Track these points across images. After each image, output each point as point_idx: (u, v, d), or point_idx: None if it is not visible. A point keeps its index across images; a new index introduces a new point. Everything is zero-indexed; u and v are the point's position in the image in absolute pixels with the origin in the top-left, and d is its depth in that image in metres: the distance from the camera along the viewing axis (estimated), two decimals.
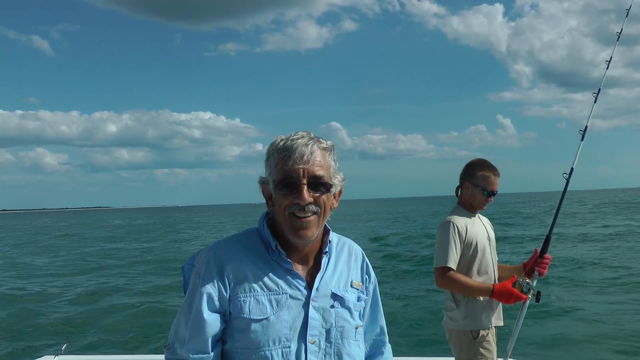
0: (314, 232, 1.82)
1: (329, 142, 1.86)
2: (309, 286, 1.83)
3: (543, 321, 9.80)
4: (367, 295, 2.02)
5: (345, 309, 1.88)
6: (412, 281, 15.16)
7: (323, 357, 1.80)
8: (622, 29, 4.75)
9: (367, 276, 2.03)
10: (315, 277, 1.86)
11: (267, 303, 1.76)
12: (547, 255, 3.82)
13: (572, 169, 4.09)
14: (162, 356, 1.84)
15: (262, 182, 1.89)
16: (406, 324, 10.29)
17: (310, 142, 1.80)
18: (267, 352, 1.73)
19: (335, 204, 1.91)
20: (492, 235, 4.02)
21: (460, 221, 3.80)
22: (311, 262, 1.89)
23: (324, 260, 1.90)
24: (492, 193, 3.85)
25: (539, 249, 3.84)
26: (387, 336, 2.11)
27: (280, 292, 1.79)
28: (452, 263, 3.71)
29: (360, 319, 1.95)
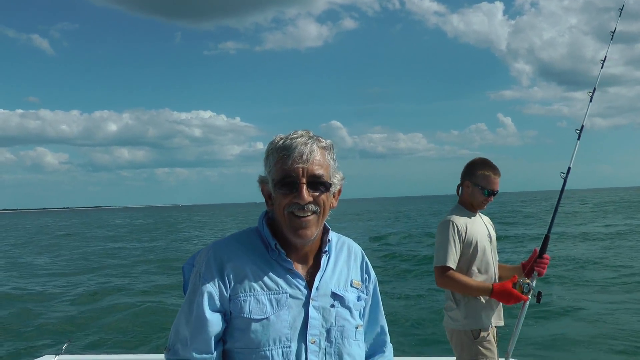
0: (314, 232, 1.81)
1: (328, 141, 1.86)
2: (309, 285, 1.83)
3: (544, 321, 9.79)
4: (367, 295, 2.01)
5: (346, 308, 1.88)
6: (413, 280, 15.17)
7: (323, 356, 1.80)
8: (615, 28, 4.75)
9: (367, 275, 2.03)
10: (315, 276, 1.85)
11: (267, 303, 1.76)
12: (546, 255, 3.81)
13: (569, 168, 4.09)
14: (163, 356, 1.83)
15: (262, 181, 1.89)
16: (407, 324, 10.28)
17: (309, 141, 1.79)
18: (267, 351, 1.73)
19: (335, 203, 1.91)
20: (493, 234, 4.01)
21: (460, 220, 3.80)
22: (311, 262, 1.89)
23: (324, 259, 1.90)
24: (492, 192, 3.84)
25: (538, 249, 3.84)
26: (388, 336, 2.10)
27: (280, 292, 1.78)
28: (452, 262, 3.71)
29: (360, 318, 1.95)
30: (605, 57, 4.62)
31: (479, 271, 3.79)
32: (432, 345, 8.83)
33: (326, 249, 1.91)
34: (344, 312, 1.87)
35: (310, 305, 1.80)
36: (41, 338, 10.46)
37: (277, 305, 1.77)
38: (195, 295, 1.77)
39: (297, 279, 1.82)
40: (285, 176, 1.77)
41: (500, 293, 3.62)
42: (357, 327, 1.90)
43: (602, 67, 4.55)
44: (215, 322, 1.75)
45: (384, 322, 2.09)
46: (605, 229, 28.91)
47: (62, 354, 4.72)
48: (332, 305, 1.85)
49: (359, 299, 1.95)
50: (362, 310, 1.98)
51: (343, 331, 1.85)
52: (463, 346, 3.75)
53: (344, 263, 1.97)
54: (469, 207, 3.91)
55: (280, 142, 1.81)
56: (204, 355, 1.74)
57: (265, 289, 1.78)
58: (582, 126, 4.24)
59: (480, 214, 4.01)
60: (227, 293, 1.77)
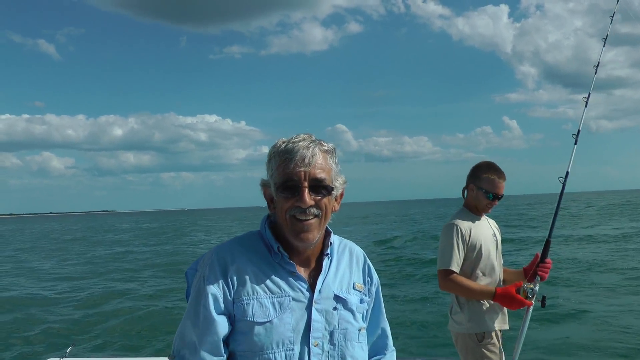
0: (315, 235, 1.81)
1: (330, 145, 1.86)
2: (312, 288, 1.83)
3: (550, 325, 9.75)
4: (369, 297, 2.01)
5: (348, 311, 1.87)
6: (419, 284, 15.14)
7: (326, 359, 1.80)
8: (607, 35, 4.77)
9: (369, 278, 2.03)
10: (318, 279, 1.85)
11: (270, 306, 1.76)
12: (548, 259, 3.80)
13: (567, 172, 4.09)
14: (167, 358, 1.83)
15: (264, 185, 1.89)
16: (414, 327, 10.27)
17: (311, 144, 1.80)
18: (270, 355, 1.73)
19: (337, 207, 1.91)
20: (499, 237, 4.00)
21: (464, 224, 3.80)
22: (313, 265, 1.89)
23: (326, 262, 1.90)
24: (496, 196, 3.83)
25: (539, 254, 3.83)
26: (390, 339, 2.10)
27: (283, 295, 1.78)
28: (455, 266, 3.70)
29: (363, 321, 1.95)
30: (599, 62, 4.64)
31: (483, 274, 3.78)
32: (438, 348, 8.81)
33: (328, 251, 1.91)
34: (347, 315, 1.86)
35: (313, 308, 1.80)
36: (46, 341, 10.50)
37: (280, 308, 1.76)
38: (200, 298, 1.76)
39: (300, 282, 1.82)
40: (287, 180, 1.77)
41: (503, 297, 3.61)
42: (360, 330, 1.90)
43: (595, 73, 4.58)
44: (222, 324, 1.74)
45: (385, 324, 2.09)
46: (611, 231, 28.79)
47: (66, 357, 4.74)
48: (335, 308, 1.85)
49: (361, 301, 1.94)
50: (365, 312, 1.98)
51: (346, 334, 1.84)
52: (468, 349, 3.75)
53: (346, 266, 1.97)
54: (473, 211, 3.90)
55: (282, 145, 1.81)
56: (214, 359, 1.73)
57: (268, 292, 1.78)
58: (579, 130, 4.25)
59: (486, 217, 4.01)
60: (230, 296, 1.76)
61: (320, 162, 1.79)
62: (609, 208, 57.91)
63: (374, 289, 2.04)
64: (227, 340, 1.77)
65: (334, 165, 1.85)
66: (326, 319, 1.82)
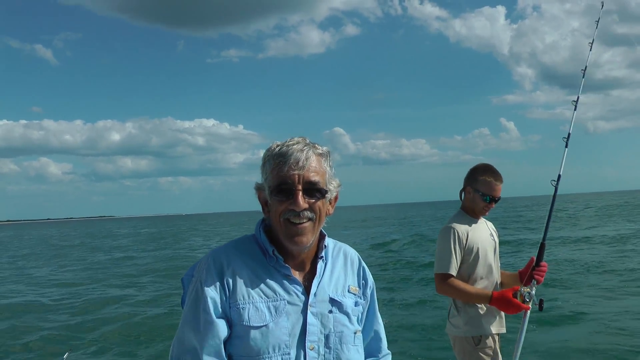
0: (309, 239, 1.82)
1: (324, 148, 1.87)
2: (307, 291, 1.83)
3: (549, 327, 9.74)
4: (364, 300, 2.01)
5: (344, 314, 1.88)
6: (418, 287, 15.12)
7: None
8: (593, 40, 4.82)
9: (364, 281, 2.03)
10: (312, 282, 1.86)
11: (265, 310, 1.76)
12: (544, 263, 3.80)
13: (559, 175, 4.09)
14: None
15: (258, 188, 1.90)
16: (412, 331, 10.26)
17: (305, 147, 1.80)
18: (267, 359, 1.73)
19: (331, 210, 1.91)
20: (496, 240, 4.00)
21: (462, 227, 3.79)
22: (308, 268, 1.89)
23: (320, 265, 1.90)
24: (493, 199, 3.83)
25: (534, 258, 3.83)
26: (383, 341, 2.09)
27: (279, 299, 1.79)
28: (452, 270, 3.70)
29: (358, 323, 1.95)
30: (586, 66, 4.67)
31: (481, 277, 3.79)
32: (437, 351, 8.80)
33: (322, 254, 1.91)
34: (342, 318, 1.87)
35: (309, 311, 1.81)
36: (43, 347, 10.48)
37: (276, 312, 1.77)
38: (199, 302, 1.76)
39: (295, 285, 1.82)
40: (281, 183, 1.78)
41: (499, 301, 3.61)
42: (355, 333, 1.90)
43: (583, 76, 4.61)
44: (223, 327, 1.74)
45: (379, 327, 2.08)
46: (609, 232, 28.81)
47: None
48: (330, 311, 1.85)
49: (356, 304, 1.95)
50: (360, 315, 1.98)
51: (341, 337, 1.85)
52: (465, 353, 3.75)
53: (341, 269, 1.97)
54: (471, 213, 3.91)
55: (277, 149, 1.82)
56: None
57: (263, 296, 1.78)
58: (569, 134, 4.28)
59: (484, 219, 4.01)
60: (227, 300, 1.77)
61: (314, 165, 1.80)
62: (607, 209, 57.95)
63: (368, 292, 2.04)
64: (224, 345, 1.77)
65: (328, 169, 1.85)
66: (322, 323, 1.82)
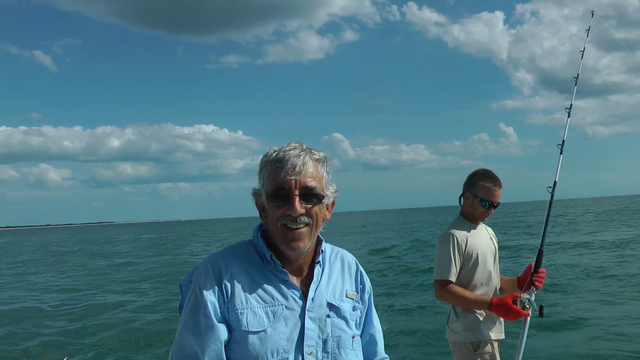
0: (306, 244, 1.82)
1: (321, 154, 1.88)
2: (304, 296, 1.84)
3: (550, 333, 9.71)
4: (362, 305, 2.02)
5: (341, 318, 1.88)
6: (418, 293, 15.10)
7: None
8: (584, 47, 4.84)
9: (361, 286, 2.03)
10: (310, 287, 1.86)
11: (263, 315, 1.77)
12: (542, 269, 3.81)
13: (555, 182, 4.10)
14: None
15: (255, 194, 1.91)
16: (412, 336, 10.23)
17: (302, 153, 1.81)
18: None
19: (328, 216, 1.92)
20: (496, 246, 4.00)
21: (461, 233, 3.79)
22: (305, 273, 1.90)
23: (317, 270, 1.91)
24: (492, 205, 3.82)
25: (533, 264, 3.83)
26: (380, 346, 2.09)
27: (277, 304, 1.79)
28: (452, 276, 3.71)
29: (357, 328, 1.96)
30: (578, 74, 4.67)
31: (480, 284, 3.79)
32: (436, 356, 8.79)
33: (319, 259, 1.92)
34: (340, 323, 1.88)
35: (306, 316, 1.81)
36: (42, 353, 10.46)
37: (274, 317, 1.77)
38: (199, 307, 1.76)
39: (293, 290, 1.83)
40: (278, 188, 1.79)
41: (498, 307, 3.61)
42: (353, 337, 1.91)
43: (575, 84, 4.62)
44: (223, 331, 1.74)
45: (374, 331, 2.08)
46: (610, 237, 28.80)
47: None
48: (328, 316, 1.86)
49: (354, 309, 1.95)
50: (358, 320, 1.98)
51: (339, 341, 1.85)
52: (464, 358, 3.76)
53: (339, 274, 1.98)
54: (470, 219, 3.90)
55: (274, 154, 1.82)
56: None
57: (261, 301, 1.78)
58: (564, 141, 4.29)
59: (483, 224, 4.01)
60: (225, 304, 1.77)
61: (311, 171, 1.81)
62: (606, 214, 57.94)
63: (366, 296, 2.05)
64: None
65: (325, 174, 1.86)
66: (319, 327, 1.83)
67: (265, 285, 1.81)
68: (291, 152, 1.80)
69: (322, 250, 1.93)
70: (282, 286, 1.82)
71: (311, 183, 1.80)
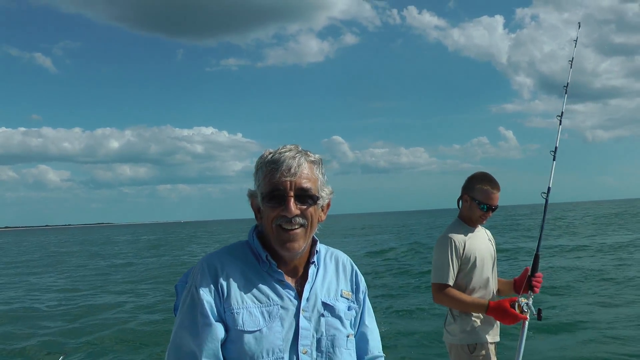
0: (301, 245, 1.84)
1: (316, 156, 1.89)
2: (299, 296, 1.86)
3: (547, 335, 9.73)
4: (357, 305, 2.03)
5: (336, 318, 1.90)
6: (416, 295, 15.10)
7: None
8: (572, 58, 4.89)
9: (356, 286, 2.05)
10: (305, 287, 1.88)
11: (259, 315, 1.78)
12: (539, 273, 3.82)
13: (549, 188, 4.13)
14: None
15: (251, 195, 1.92)
16: (410, 338, 10.24)
17: (297, 155, 1.83)
18: None
19: (323, 217, 1.94)
20: (494, 249, 4.01)
21: (458, 237, 3.80)
22: (300, 273, 1.92)
23: (312, 270, 1.93)
24: (490, 208, 3.82)
25: (529, 268, 3.84)
26: (372, 344, 2.08)
27: (272, 304, 1.81)
28: (450, 280, 3.71)
29: (351, 328, 1.97)
30: (568, 83, 4.70)
31: (478, 287, 3.79)
32: (433, 358, 8.82)
33: (314, 259, 1.94)
34: (335, 322, 1.89)
35: (301, 316, 1.83)
36: (39, 352, 10.48)
37: (269, 317, 1.79)
38: (196, 307, 1.77)
39: (288, 290, 1.85)
40: (273, 189, 1.80)
41: (496, 310, 3.62)
42: (348, 336, 1.92)
43: (565, 93, 4.65)
44: (220, 330, 1.76)
45: (366, 329, 2.07)
46: (608, 241, 28.81)
47: None
48: (323, 315, 1.88)
49: (349, 308, 1.97)
50: (353, 319, 2.00)
51: (334, 340, 1.87)
52: None
53: (333, 274, 2.00)
54: (468, 222, 3.90)
55: (269, 156, 1.84)
56: None
57: (256, 301, 1.80)
58: (556, 147, 4.31)
59: (482, 227, 4.01)
60: (221, 304, 1.78)
61: (306, 172, 1.83)
62: (605, 218, 57.96)
63: (362, 297, 2.06)
64: None
65: (320, 176, 1.88)
66: (314, 327, 1.84)
67: (261, 285, 1.83)
68: (286, 153, 1.82)
69: (316, 251, 1.95)
70: (278, 286, 1.84)
71: (306, 184, 1.82)
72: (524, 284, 3.77)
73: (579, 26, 5.12)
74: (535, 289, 3.74)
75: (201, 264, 1.86)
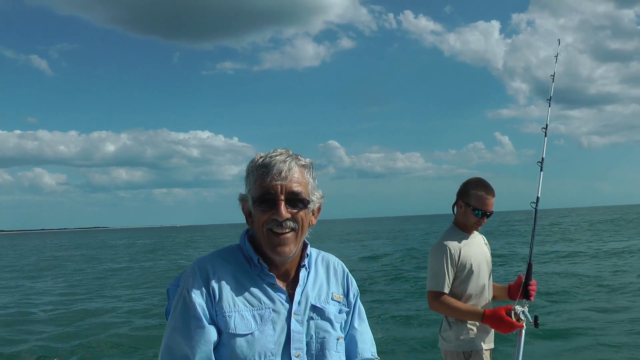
0: (292, 249, 1.85)
1: (307, 160, 1.91)
2: (290, 299, 1.86)
3: (543, 342, 9.72)
4: (348, 308, 2.04)
5: (326, 320, 1.91)
6: (411, 300, 15.10)
7: None
8: (554, 72, 4.96)
9: (347, 289, 2.06)
10: (296, 290, 1.89)
11: (251, 318, 1.79)
12: (533, 280, 3.82)
13: (537, 197, 4.14)
14: None
15: (242, 199, 1.93)
16: (405, 344, 10.22)
17: (288, 159, 1.84)
18: None
19: (314, 221, 1.95)
20: (489, 255, 4.00)
21: (454, 244, 3.78)
22: (292, 276, 1.92)
23: (303, 273, 1.94)
24: (485, 214, 3.81)
25: (522, 275, 3.84)
26: (362, 346, 2.07)
27: (264, 307, 1.81)
28: (445, 288, 3.71)
29: (341, 330, 1.97)
30: (551, 97, 4.73)
31: (474, 294, 3.78)
32: None
33: (304, 263, 1.94)
34: (325, 325, 1.90)
35: (293, 319, 1.84)
36: (31, 356, 10.45)
37: (261, 320, 1.79)
38: (189, 310, 1.77)
39: (279, 293, 1.86)
40: (264, 193, 1.81)
41: (491, 319, 3.61)
42: (338, 339, 1.93)
43: (549, 105, 4.68)
44: (213, 333, 1.76)
45: (355, 332, 2.07)
46: (603, 247, 28.86)
47: None
48: (313, 318, 1.88)
49: (340, 311, 1.98)
50: (344, 323, 2.01)
51: (323, 343, 1.88)
52: None
53: (324, 277, 2.00)
54: (463, 228, 3.88)
55: (260, 160, 1.85)
56: None
57: (248, 304, 1.81)
58: (543, 159, 4.32)
59: (477, 232, 4.00)
60: (213, 307, 1.79)
61: (296, 176, 1.84)
62: (600, 224, 58.06)
63: (352, 300, 2.07)
64: None
65: (310, 180, 1.89)
66: (305, 330, 1.85)
67: (253, 289, 1.84)
68: (277, 157, 1.83)
69: (307, 254, 1.96)
70: (269, 289, 1.85)
71: (297, 188, 1.83)
72: (519, 291, 3.77)
73: (559, 42, 5.15)
74: (531, 297, 3.74)
75: (193, 267, 1.86)
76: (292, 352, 1.80)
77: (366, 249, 37.32)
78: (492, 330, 3.78)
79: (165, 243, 68.24)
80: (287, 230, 1.82)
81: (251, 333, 1.77)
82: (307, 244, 1.97)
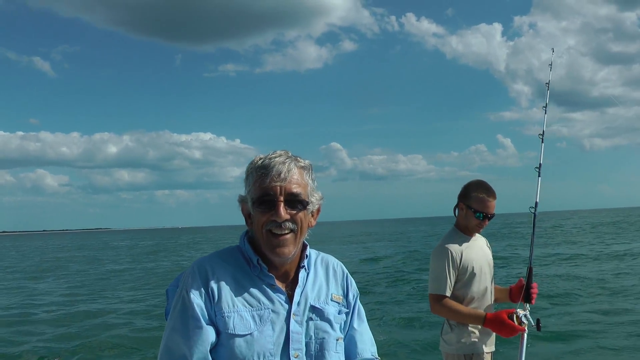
0: (291, 250, 1.86)
1: (306, 161, 1.92)
2: (290, 300, 1.87)
3: (545, 345, 9.71)
4: (348, 309, 2.04)
5: (326, 321, 1.92)
6: (412, 303, 15.09)
7: None
8: (550, 79, 4.91)
9: (347, 290, 2.06)
10: (295, 291, 1.89)
11: (250, 319, 1.79)
12: (534, 283, 3.82)
13: (536, 202, 4.15)
14: None
15: (241, 201, 1.94)
16: (406, 347, 10.21)
17: (287, 160, 1.85)
18: None
19: (313, 222, 1.95)
20: (490, 257, 3.99)
21: (455, 247, 3.77)
22: (291, 277, 1.93)
23: (302, 274, 1.94)
24: (486, 216, 3.79)
25: (523, 279, 3.84)
26: (361, 347, 2.07)
27: (263, 308, 1.82)
28: (447, 291, 3.70)
29: (341, 331, 1.98)
30: (547, 104, 4.72)
31: (476, 297, 3.77)
32: None
33: (304, 264, 1.95)
34: (324, 325, 1.91)
35: (292, 319, 1.84)
36: (33, 356, 10.48)
37: (260, 321, 1.80)
38: (188, 310, 1.78)
39: (279, 294, 1.86)
40: (264, 194, 1.82)
41: (493, 322, 3.60)
42: (337, 340, 1.93)
43: (545, 113, 4.68)
44: (212, 333, 1.77)
45: (354, 333, 2.07)
46: (606, 249, 28.82)
47: None
48: (313, 319, 1.89)
49: (339, 312, 1.98)
50: (343, 323, 2.01)
51: (322, 343, 1.88)
52: None
53: (324, 278, 2.01)
54: (464, 230, 3.87)
55: (259, 162, 1.86)
56: None
57: (247, 305, 1.81)
58: (540, 164, 4.32)
59: (479, 235, 3.99)
60: (212, 307, 1.79)
61: (296, 178, 1.85)
62: (603, 226, 57.98)
63: (352, 300, 2.07)
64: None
65: (310, 181, 1.90)
66: (305, 330, 1.86)
67: (252, 289, 1.84)
68: (276, 159, 1.84)
69: (306, 255, 1.96)
70: (268, 290, 1.85)
71: (296, 189, 1.84)
72: (520, 293, 3.76)
73: (553, 51, 5.15)
74: (532, 300, 3.74)
75: (192, 268, 1.87)
76: (291, 352, 1.81)
77: (368, 251, 37.32)
78: (494, 333, 3.78)
79: (167, 244, 68.28)
80: (286, 232, 1.83)
81: (250, 333, 1.77)
82: (307, 245, 1.97)
